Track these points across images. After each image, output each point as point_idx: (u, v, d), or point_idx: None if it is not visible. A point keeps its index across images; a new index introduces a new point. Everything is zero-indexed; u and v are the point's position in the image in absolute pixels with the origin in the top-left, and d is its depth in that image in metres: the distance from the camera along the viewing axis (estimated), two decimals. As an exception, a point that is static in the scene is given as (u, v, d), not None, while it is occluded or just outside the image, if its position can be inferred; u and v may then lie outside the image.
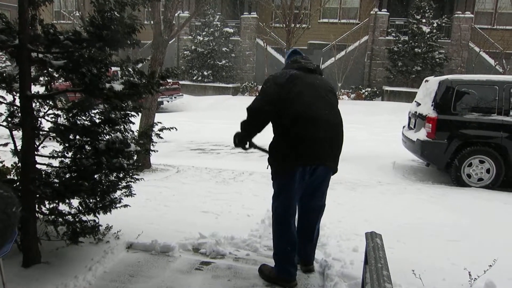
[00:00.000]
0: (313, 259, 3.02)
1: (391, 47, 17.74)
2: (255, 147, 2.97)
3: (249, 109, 2.72)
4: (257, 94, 2.83)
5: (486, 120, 5.85)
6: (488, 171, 5.90)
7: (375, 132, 10.86)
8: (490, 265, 2.72)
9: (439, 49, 16.98)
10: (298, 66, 2.85)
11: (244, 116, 2.76)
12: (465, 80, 6.16)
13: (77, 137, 2.85)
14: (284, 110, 2.63)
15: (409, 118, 7.15)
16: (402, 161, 7.46)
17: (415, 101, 7.04)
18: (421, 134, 6.20)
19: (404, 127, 7.37)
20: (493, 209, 4.79)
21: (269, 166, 2.81)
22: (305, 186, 2.75)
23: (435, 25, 16.99)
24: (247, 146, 2.91)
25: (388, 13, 18.26)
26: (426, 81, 6.86)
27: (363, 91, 17.59)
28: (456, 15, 17.41)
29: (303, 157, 2.64)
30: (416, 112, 6.71)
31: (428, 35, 16.81)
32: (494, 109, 5.84)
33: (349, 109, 14.67)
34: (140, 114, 5.77)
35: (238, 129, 2.85)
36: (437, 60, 16.93)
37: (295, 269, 2.78)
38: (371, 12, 18.25)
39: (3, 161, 3.10)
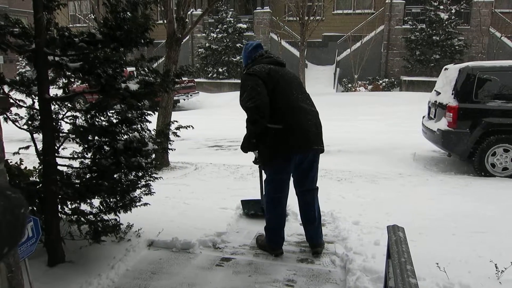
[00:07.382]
0: (320, 242, 3.13)
1: (408, 36, 17.38)
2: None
3: (252, 108, 2.76)
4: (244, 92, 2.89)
5: (510, 108, 5.67)
6: (513, 159, 5.73)
7: (394, 123, 10.67)
8: (518, 257, 2.64)
9: (458, 36, 16.56)
10: (270, 60, 2.96)
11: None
12: (486, 66, 5.97)
13: (96, 137, 2.89)
14: (273, 102, 2.79)
15: (429, 108, 6.98)
16: (423, 152, 7.30)
17: (435, 90, 6.87)
18: (442, 124, 6.05)
19: (424, 117, 7.20)
20: (520, 198, 4.64)
21: (259, 156, 3.07)
22: (298, 171, 2.98)
23: (453, 11, 16.56)
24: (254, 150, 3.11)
25: (404, 1, 17.89)
26: (446, 69, 6.68)
27: (381, 82, 17.31)
28: (475, 0, 16.91)
29: (297, 144, 2.84)
30: (436, 101, 6.55)
31: (446, 22, 16.40)
32: (518, 96, 5.65)
33: (367, 100, 14.48)
34: (156, 113, 5.85)
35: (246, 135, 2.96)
36: (456, 47, 16.51)
37: (282, 240, 3.11)
38: (387, 1, 17.91)
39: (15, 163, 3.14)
